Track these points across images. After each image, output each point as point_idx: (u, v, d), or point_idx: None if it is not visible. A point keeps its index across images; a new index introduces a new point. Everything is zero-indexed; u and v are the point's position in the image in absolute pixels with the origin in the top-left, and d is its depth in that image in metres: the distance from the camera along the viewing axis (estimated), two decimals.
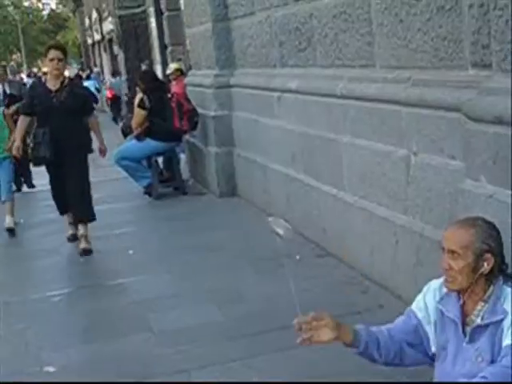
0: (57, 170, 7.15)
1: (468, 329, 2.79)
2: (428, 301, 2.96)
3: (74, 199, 7.18)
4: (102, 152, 7.69)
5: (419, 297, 3.02)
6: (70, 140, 6.97)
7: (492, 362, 2.67)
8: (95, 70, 33.02)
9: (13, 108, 10.29)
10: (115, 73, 26.11)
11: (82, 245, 7.10)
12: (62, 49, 7.16)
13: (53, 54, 6.95)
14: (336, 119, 5.78)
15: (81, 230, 7.22)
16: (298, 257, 6.12)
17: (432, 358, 2.99)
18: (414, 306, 3.01)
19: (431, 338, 2.95)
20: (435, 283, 2.98)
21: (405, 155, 4.72)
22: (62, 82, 7.05)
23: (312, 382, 2.69)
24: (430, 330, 2.95)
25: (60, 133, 6.93)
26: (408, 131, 4.66)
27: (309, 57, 6.38)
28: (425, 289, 3.02)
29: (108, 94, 24.33)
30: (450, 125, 4.13)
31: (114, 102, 23.79)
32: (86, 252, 7.04)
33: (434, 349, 2.95)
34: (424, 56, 4.45)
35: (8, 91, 11.13)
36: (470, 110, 3.49)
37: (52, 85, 7.05)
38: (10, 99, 10.70)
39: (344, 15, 5.49)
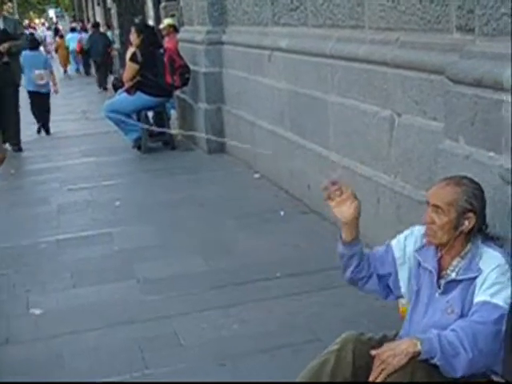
0: None
1: (442, 281, 2.89)
2: (408, 244, 3.07)
3: None
4: None
5: (400, 236, 3.12)
6: None
7: (461, 314, 2.79)
8: (73, 24, 33.50)
9: (4, 45, 10.27)
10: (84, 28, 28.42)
11: None
12: None
13: None
14: (324, 78, 5.87)
15: None
16: (282, 213, 6.25)
17: (390, 295, 3.15)
18: (393, 243, 3.11)
19: (400, 278, 3.07)
20: (419, 229, 3.06)
21: (389, 116, 4.82)
22: None
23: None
24: (400, 270, 3.07)
25: None
26: (393, 92, 4.76)
27: (300, 16, 6.44)
28: (408, 231, 3.12)
29: (77, 47, 25.94)
30: (433, 87, 4.23)
31: (83, 54, 25.63)
32: None
33: (403, 290, 3.08)
34: (412, 18, 4.53)
35: (2, 27, 10.90)
36: (451, 72, 3.58)
37: None
38: (2, 36, 10.49)
39: None
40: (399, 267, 3.07)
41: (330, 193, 2.95)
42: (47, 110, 12.67)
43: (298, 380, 2.91)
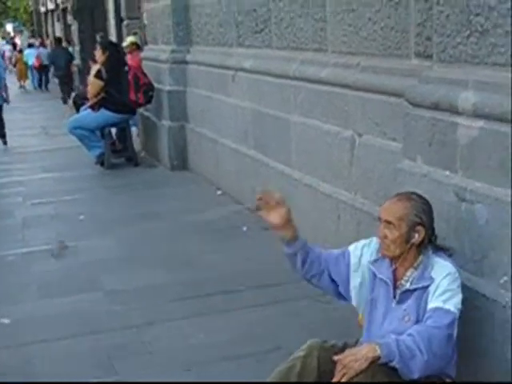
0: None
1: (398, 291, 3.10)
2: (364, 254, 3.27)
3: None
4: None
5: (359, 244, 3.32)
6: None
7: (417, 321, 2.99)
8: (31, 40, 33.76)
9: None
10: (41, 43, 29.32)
11: None
12: None
13: None
14: (287, 99, 6.06)
15: None
16: (244, 228, 6.41)
17: (343, 297, 3.34)
18: (351, 249, 3.32)
19: (351, 286, 3.27)
20: (376, 242, 3.25)
21: (350, 136, 5.02)
22: None
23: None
24: (352, 277, 3.27)
25: None
26: (354, 114, 4.96)
27: (265, 38, 6.64)
28: (367, 241, 3.32)
29: (35, 62, 26.28)
30: (393, 109, 4.45)
31: (41, 70, 26.43)
32: None
33: (352, 296, 3.28)
34: (373, 44, 4.75)
35: None
36: (410, 96, 3.79)
37: None
38: None
39: (300, 0, 5.76)
40: (352, 273, 3.27)
41: (257, 204, 3.20)
42: (1, 121, 12.68)
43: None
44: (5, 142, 12.66)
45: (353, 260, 3.28)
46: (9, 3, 56.09)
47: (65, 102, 19.78)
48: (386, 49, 4.62)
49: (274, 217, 3.18)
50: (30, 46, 29.82)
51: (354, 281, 3.27)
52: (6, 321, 4.77)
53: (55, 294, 5.21)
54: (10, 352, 4.33)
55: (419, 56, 4.22)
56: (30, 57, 26.99)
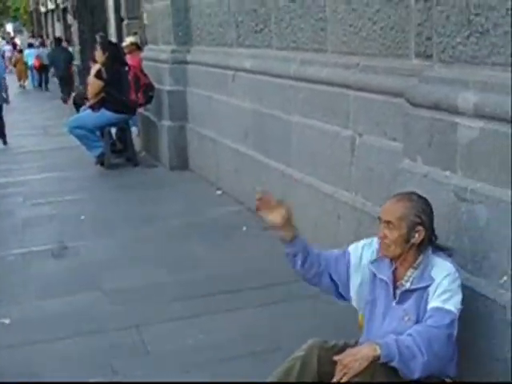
0: None
1: (398, 291, 3.10)
2: (365, 254, 3.28)
3: None
4: None
5: (360, 244, 3.33)
6: None
7: (417, 321, 2.99)
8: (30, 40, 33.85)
9: None
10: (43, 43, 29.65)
11: None
12: None
13: None
14: (287, 99, 6.06)
15: None
16: (244, 228, 6.40)
17: (343, 297, 3.35)
18: (351, 249, 3.32)
19: (351, 285, 3.28)
20: (377, 243, 3.23)
21: (350, 136, 5.02)
22: None
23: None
24: (353, 276, 3.27)
25: None
26: (354, 114, 4.97)
27: (264, 38, 6.64)
28: (368, 240, 3.32)
29: (35, 62, 26.54)
30: (393, 109, 4.45)
31: (41, 70, 26.66)
32: None
33: (352, 296, 3.29)
34: (373, 44, 4.76)
35: None
36: (410, 96, 3.79)
37: None
38: None
39: (300, 0, 5.77)
40: (352, 273, 3.28)
41: (258, 204, 3.22)
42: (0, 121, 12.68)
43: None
44: (5, 142, 12.69)
45: (353, 260, 3.28)
46: (9, 3, 56.08)
47: (65, 101, 19.79)
48: (386, 49, 4.62)
49: (275, 216, 3.20)
50: (30, 45, 29.86)
51: (354, 281, 3.28)
52: (7, 321, 4.76)
53: (55, 294, 5.20)
54: (11, 352, 4.33)
55: (419, 56, 4.22)
56: (30, 57, 27.04)
